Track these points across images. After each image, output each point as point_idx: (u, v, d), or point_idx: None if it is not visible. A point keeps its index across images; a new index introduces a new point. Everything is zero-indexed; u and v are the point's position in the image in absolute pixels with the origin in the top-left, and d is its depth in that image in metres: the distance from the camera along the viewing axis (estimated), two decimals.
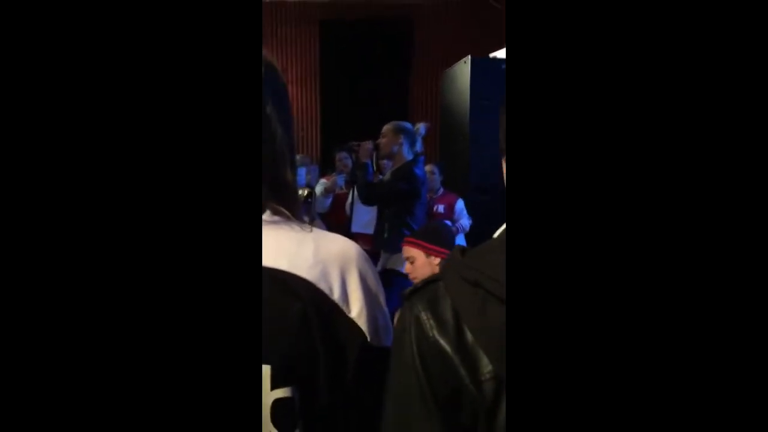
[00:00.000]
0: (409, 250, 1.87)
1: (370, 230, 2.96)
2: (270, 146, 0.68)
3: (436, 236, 1.86)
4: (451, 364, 0.48)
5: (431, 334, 0.50)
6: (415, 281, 1.85)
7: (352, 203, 3.17)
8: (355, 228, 3.14)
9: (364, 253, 0.76)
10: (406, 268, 1.91)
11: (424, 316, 0.52)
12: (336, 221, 3.29)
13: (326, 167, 4.46)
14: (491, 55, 4.02)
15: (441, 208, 3.28)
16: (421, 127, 2.73)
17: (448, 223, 2.88)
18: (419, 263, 1.83)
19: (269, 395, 0.62)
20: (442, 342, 0.49)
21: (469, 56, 3.72)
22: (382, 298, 0.76)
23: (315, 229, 0.73)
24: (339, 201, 3.48)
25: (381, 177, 3.01)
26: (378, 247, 2.82)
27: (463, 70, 3.78)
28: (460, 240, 3.35)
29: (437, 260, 1.81)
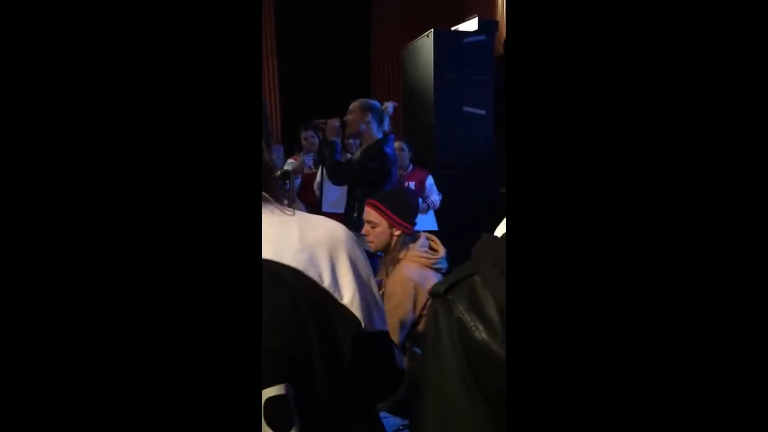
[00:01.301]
0: (372, 214, 1.80)
1: (340, 209, 2.93)
2: None
3: (402, 207, 1.81)
4: (502, 363, 0.46)
5: (480, 337, 0.47)
6: (371, 246, 1.82)
7: (321, 182, 3.13)
8: (325, 207, 3.11)
9: (353, 235, 0.74)
10: (365, 229, 1.83)
11: (467, 317, 0.49)
12: (306, 201, 3.25)
13: (288, 145, 4.37)
14: (454, 28, 3.98)
15: (411, 185, 3.28)
16: (389, 105, 2.69)
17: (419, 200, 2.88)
18: (379, 230, 1.79)
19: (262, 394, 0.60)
20: (494, 345, 0.47)
21: (432, 30, 3.68)
22: (373, 281, 0.74)
23: (297, 212, 0.71)
24: (308, 181, 3.44)
25: (349, 155, 2.97)
26: (348, 227, 2.80)
27: (426, 44, 3.74)
28: (431, 216, 3.36)
29: (398, 232, 1.79)
